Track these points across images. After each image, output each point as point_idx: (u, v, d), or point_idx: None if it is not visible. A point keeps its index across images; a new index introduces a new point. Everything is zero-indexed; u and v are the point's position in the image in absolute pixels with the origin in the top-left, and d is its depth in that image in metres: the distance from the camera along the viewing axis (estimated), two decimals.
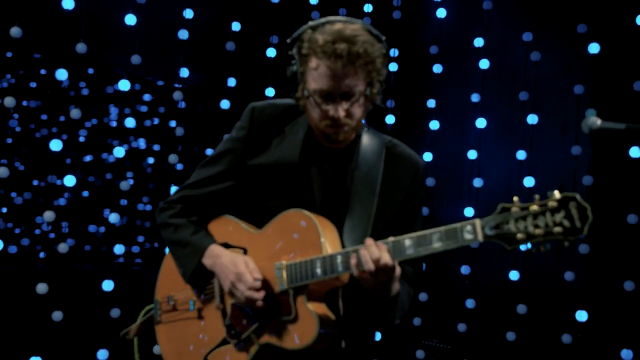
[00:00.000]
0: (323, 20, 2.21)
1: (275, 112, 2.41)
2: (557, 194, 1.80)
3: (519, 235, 1.83)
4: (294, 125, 2.38)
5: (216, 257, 2.35)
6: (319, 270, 2.14)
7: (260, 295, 2.24)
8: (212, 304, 2.43)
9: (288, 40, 2.27)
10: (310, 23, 2.23)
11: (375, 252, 2.03)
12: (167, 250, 2.58)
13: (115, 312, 4.41)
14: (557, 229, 1.78)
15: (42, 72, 5.66)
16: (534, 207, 1.82)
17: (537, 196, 1.84)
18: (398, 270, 2.09)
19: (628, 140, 4.35)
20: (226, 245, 2.42)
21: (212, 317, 2.42)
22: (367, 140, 2.38)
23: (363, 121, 2.40)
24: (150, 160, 6.18)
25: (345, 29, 2.15)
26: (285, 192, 2.33)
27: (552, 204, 1.80)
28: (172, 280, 2.55)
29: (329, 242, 2.20)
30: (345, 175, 2.34)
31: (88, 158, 5.98)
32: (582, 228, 1.76)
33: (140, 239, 5.98)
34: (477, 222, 1.90)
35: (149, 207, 6.01)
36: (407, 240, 2.03)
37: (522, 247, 1.87)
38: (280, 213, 2.28)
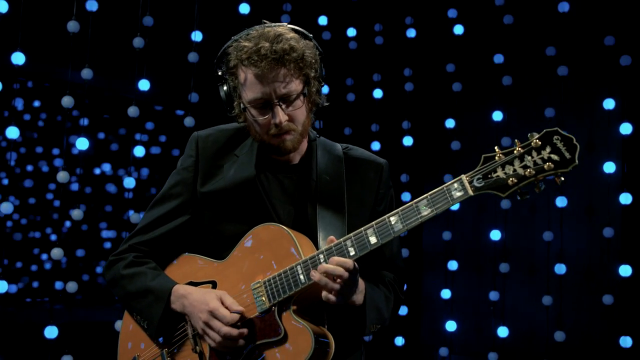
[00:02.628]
0: (245, 31, 2.12)
1: (221, 137, 2.28)
2: (536, 134, 1.79)
3: (511, 180, 1.80)
4: (244, 147, 2.25)
5: (183, 297, 2.13)
6: (302, 277, 1.98)
7: (239, 332, 2.02)
8: (185, 351, 2.16)
9: (215, 61, 2.18)
10: (233, 37, 2.13)
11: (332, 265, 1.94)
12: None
13: None
14: (548, 165, 1.77)
15: (36, 104, 5.45)
16: (518, 149, 1.80)
17: (517, 140, 1.82)
18: (349, 263, 1.94)
19: None
20: (191, 284, 2.19)
21: None
22: (322, 149, 2.26)
23: (316, 133, 2.29)
24: (153, 190, 5.95)
25: (268, 32, 2.06)
26: (246, 214, 2.16)
27: (535, 142, 1.79)
28: (134, 342, 2.26)
29: (306, 249, 2.04)
30: (307, 187, 2.20)
31: (88, 190, 5.74)
32: (573, 157, 1.75)
33: None
34: (463, 177, 1.85)
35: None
36: (393, 217, 1.92)
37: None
38: (247, 233, 2.12)
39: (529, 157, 1.79)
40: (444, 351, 4.93)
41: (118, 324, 4.10)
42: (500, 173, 1.81)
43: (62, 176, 3.91)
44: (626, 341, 4.27)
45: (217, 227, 2.20)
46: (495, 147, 1.84)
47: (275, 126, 2.07)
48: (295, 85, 2.06)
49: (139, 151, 4.40)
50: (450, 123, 5.08)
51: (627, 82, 4.54)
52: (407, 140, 5.13)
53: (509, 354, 4.85)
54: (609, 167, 4.38)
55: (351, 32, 5.33)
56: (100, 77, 4.41)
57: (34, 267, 5.38)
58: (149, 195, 5.80)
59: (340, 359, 2.13)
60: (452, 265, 4.97)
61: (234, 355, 2.06)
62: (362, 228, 1.95)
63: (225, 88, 2.16)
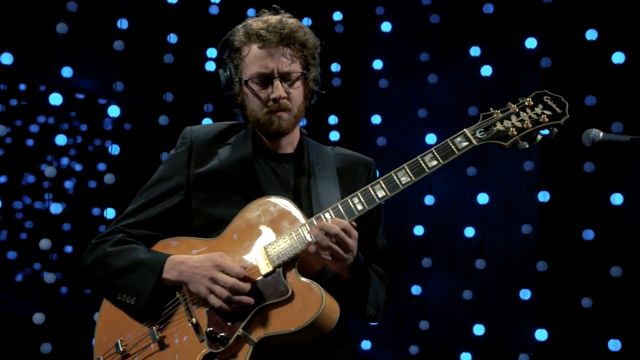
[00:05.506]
0: (253, 16, 2.26)
1: (214, 129, 2.32)
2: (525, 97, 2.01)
3: (511, 131, 1.97)
4: (237, 137, 2.28)
5: (181, 263, 2.08)
6: (308, 235, 2.00)
7: (247, 286, 1.99)
8: (177, 325, 2.09)
9: (219, 46, 2.27)
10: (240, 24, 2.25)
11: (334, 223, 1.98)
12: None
13: (46, 348, 4.01)
14: (543, 118, 1.97)
15: None
16: (514, 108, 2.00)
17: (509, 103, 2.00)
18: (345, 222, 1.98)
19: (581, 154, 4.32)
20: None
21: (182, 338, 2.07)
22: (312, 145, 2.34)
23: (304, 131, 2.35)
24: (73, 180, 5.79)
25: (276, 16, 2.23)
26: (239, 197, 2.17)
27: (528, 101, 1.99)
28: (116, 328, 2.16)
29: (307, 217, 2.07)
30: (301, 175, 2.26)
31: (2, 179, 5.55)
32: (564, 112, 1.97)
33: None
34: (466, 130, 2.00)
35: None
36: (400, 172, 2.01)
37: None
38: (242, 209, 2.13)
39: (524, 114, 1.98)
40: (366, 344, 4.98)
41: (36, 317, 3.97)
42: (500, 126, 1.98)
43: None
44: (542, 334, 4.42)
45: (209, 210, 2.19)
46: (491, 108, 2.01)
47: (274, 101, 2.15)
48: (297, 67, 2.18)
49: (60, 140, 4.27)
50: (376, 119, 5.14)
51: (547, 84, 4.69)
52: (334, 135, 5.15)
53: (430, 347, 4.95)
54: (528, 166, 4.51)
55: None
56: (21, 63, 4.26)
57: None
58: (68, 185, 5.65)
59: (331, 347, 2.16)
60: None
61: (237, 318, 2.00)
62: (368, 185, 2.02)
63: (227, 73, 2.23)
